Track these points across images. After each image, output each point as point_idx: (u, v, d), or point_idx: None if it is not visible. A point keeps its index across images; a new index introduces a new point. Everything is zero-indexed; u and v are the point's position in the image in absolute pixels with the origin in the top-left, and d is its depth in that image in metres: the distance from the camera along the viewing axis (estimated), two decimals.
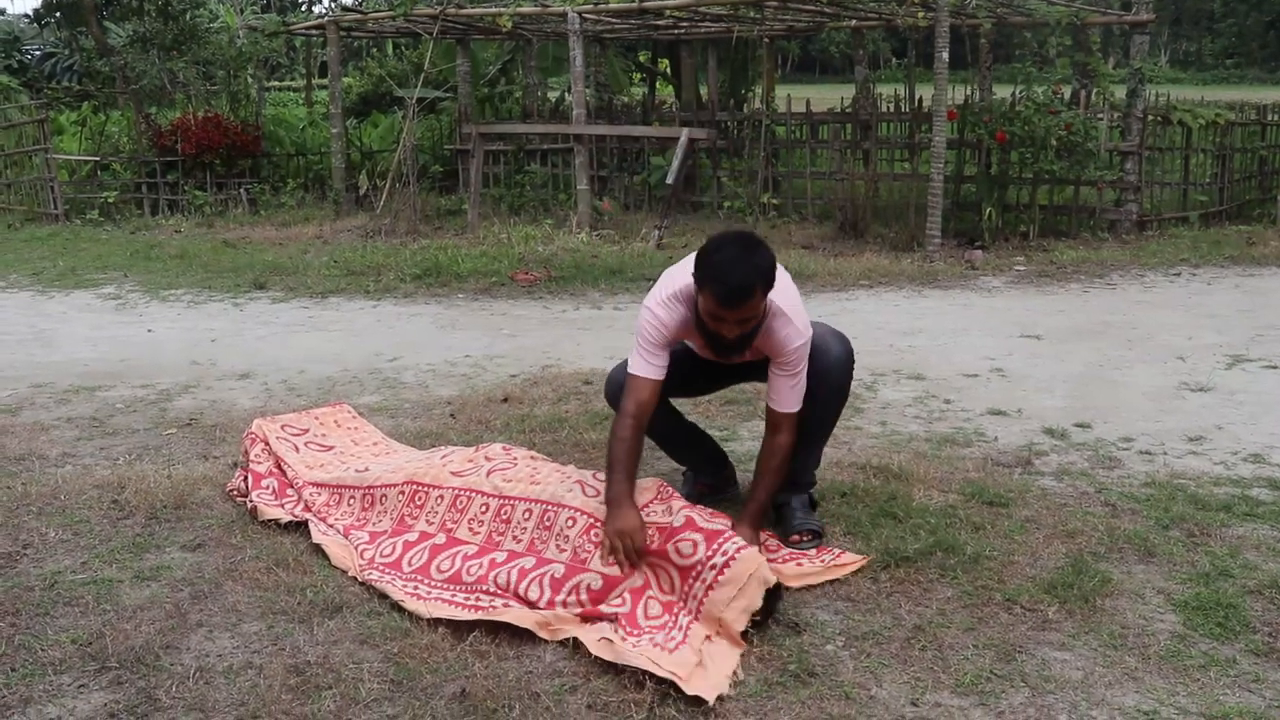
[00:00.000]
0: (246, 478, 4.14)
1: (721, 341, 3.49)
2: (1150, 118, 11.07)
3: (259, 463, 4.19)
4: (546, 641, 3.02)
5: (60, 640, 3.06)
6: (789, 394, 3.63)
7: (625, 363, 3.67)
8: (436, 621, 3.11)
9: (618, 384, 3.73)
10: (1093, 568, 3.44)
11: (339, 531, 3.75)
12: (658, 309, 3.54)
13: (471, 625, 3.07)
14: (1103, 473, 4.42)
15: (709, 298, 3.36)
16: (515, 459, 3.85)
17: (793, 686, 2.81)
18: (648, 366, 3.54)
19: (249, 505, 3.98)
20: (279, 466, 4.18)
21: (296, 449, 4.30)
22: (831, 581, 3.40)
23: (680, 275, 3.56)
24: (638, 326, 3.56)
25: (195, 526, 3.88)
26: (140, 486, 4.19)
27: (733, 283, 3.30)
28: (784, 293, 3.55)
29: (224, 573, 3.49)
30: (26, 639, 3.07)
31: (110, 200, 13.44)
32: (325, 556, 3.58)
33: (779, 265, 3.50)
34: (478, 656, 2.93)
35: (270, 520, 3.86)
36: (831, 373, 3.74)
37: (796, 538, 3.70)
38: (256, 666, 2.92)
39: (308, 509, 3.91)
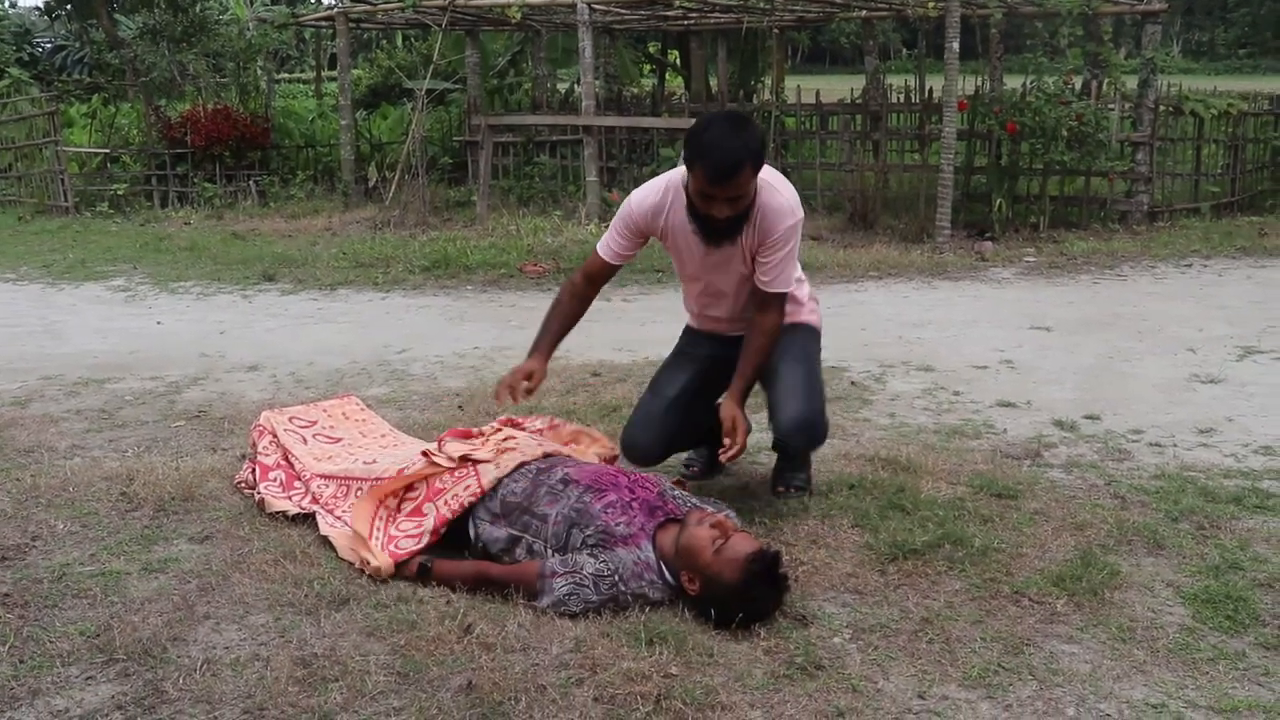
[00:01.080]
0: (254, 470, 4.15)
1: (713, 224, 3.50)
2: (1162, 108, 11.01)
3: (266, 455, 4.19)
4: (553, 635, 3.01)
5: (68, 632, 3.07)
6: (778, 270, 3.64)
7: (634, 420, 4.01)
8: (443, 614, 3.11)
9: (631, 437, 3.98)
10: (1101, 560, 3.43)
11: (346, 523, 3.75)
12: (637, 192, 3.73)
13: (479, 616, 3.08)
14: (1112, 465, 4.40)
15: (699, 176, 3.38)
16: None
17: (799, 679, 2.80)
18: (607, 247, 3.79)
19: (256, 498, 3.99)
20: (286, 459, 4.17)
21: (304, 441, 4.30)
22: (839, 574, 3.39)
23: (674, 171, 3.67)
24: (620, 207, 3.78)
25: (203, 519, 3.89)
26: (149, 479, 4.20)
27: (722, 159, 3.33)
28: (773, 173, 3.63)
29: (231, 565, 3.49)
30: (35, 631, 3.08)
31: (120, 193, 13.47)
32: (333, 549, 3.58)
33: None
34: (484, 649, 2.93)
35: (278, 512, 3.87)
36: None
37: (781, 490, 3.95)
38: (263, 659, 2.92)
39: (315, 501, 3.91)
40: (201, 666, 2.89)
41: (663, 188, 3.71)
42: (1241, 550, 3.52)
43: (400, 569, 3.40)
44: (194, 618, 3.16)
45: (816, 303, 4.08)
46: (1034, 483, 4.14)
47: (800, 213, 3.64)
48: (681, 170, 3.57)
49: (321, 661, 2.89)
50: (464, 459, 3.65)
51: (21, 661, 2.92)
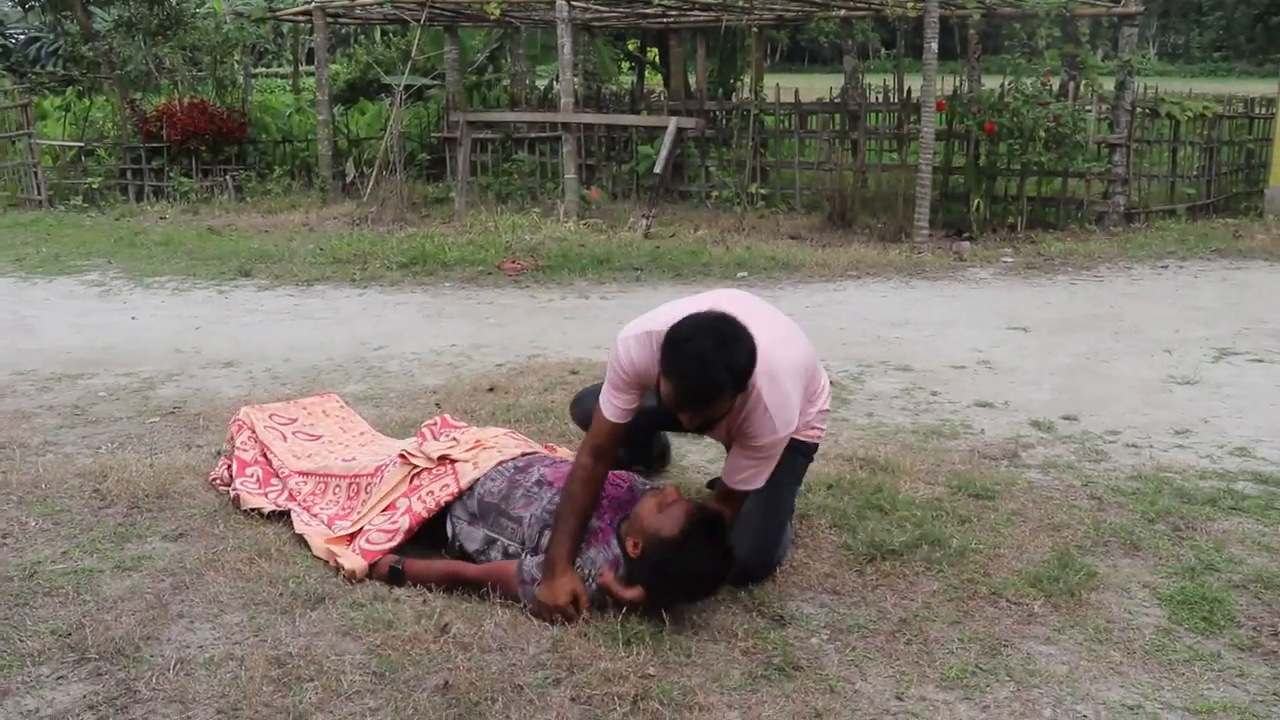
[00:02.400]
0: (230, 465, 4.11)
1: (681, 425, 3.21)
2: (1138, 110, 11.07)
3: (244, 450, 4.16)
4: (530, 634, 3.00)
5: (39, 631, 3.03)
6: (746, 472, 3.23)
7: (595, 386, 3.50)
8: (419, 614, 3.09)
9: (585, 408, 3.58)
10: (1078, 561, 3.44)
11: (323, 521, 3.72)
12: (629, 344, 3.18)
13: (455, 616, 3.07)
14: (1089, 466, 4.42)
15: (669, 388, 2.99)
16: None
17: (777, 680, 2.80)
18: (610, 406, 3.23)
19: (231, 494, 3.96)
20: (264, 455, 4.14)
21: (284, 438, 4.27)
22: (817, 574, 3.39)
23: (666, 314, 3.17)
24: (610, 358, 3.26)
25: (177, 516, 3.85)
26: (122, 475, 4.16)
27: (698, 383, 2.94)
28: (774, 380, 3.13)
29: (206, 563, 3.46)
30: (5, 630, 3.04)
31: (94, 186, 13.34)
32: (308, 547, 3.55)
33: (790, 343, 3.28)
34: (461, 649, 2.91)
35: (253, 510, 3.84)
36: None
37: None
38: (238, 658, 2.89)
39: (292, 498, 3.88)
40: (175, 666, 2.86)
41: (647, 342, 3.13)
42: (1217, 552, 3.54)
43: (371, 570, 3.38)
44: (167, 616, 3.13)
45: (822, 423, 3.63)
46: (1011, 483, 4.16)
47: (787, 430, 3.16)
48: (663, 321, 3.10)
49: (296, 661, 2.87)
50: (443, 458, 3.63)
51: None
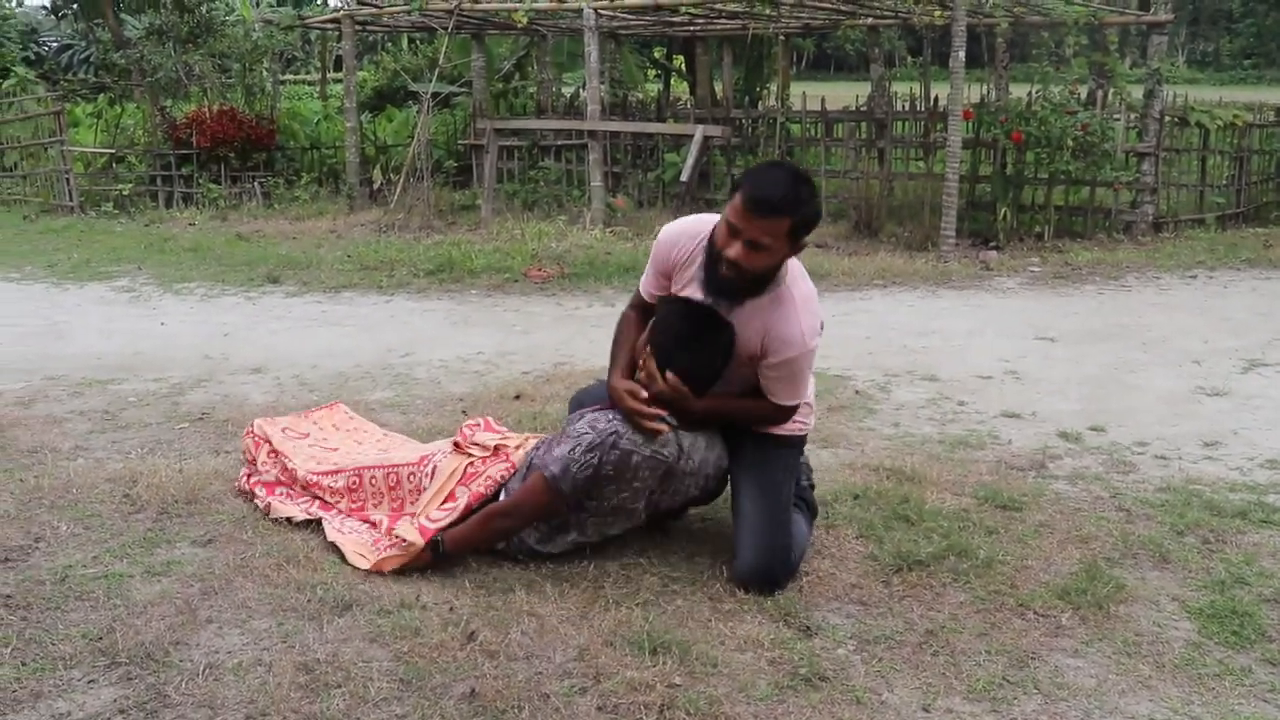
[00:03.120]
0: (255, 489, 4.09)
1: (720, 272, 3.24)
2: (1168, 119, 11.00)
3: (267, 472, 4.14)
4: (556, 643, 3.01)
5: (71, 635, 3.06)
6: (781, 388, 3.41)
7: (593, 386, 3.87)
8: (446, 621, 3.10)
9: (579, 404, 3.82)
10: (1107, 574, 3.42)
11: (377, 526, 3.73)
12: (668, 226, 3.58)
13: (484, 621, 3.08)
14: (1117, 477, 4.40)
15: (738, 200, 3.17)
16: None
17: (804, 690, 2.80)
18: (648, 283, 3.64)
19: (261, 504, 3.97)
20: (285, 470, 4.12)
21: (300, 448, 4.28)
22: (843, 584, 3.38)
23: (713, 218, 3.41)
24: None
25: (206, 522, 3.88)
26: (152, 481, 4.19)
27: (770, 191, 3.15)
28: (806, 293, 3.38)
29: (234, 569, 3.49)
30: (37, 633, 3.08)
31: (125, 193, 13.47)
32: (340, 554, 3.58)
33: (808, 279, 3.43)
34: (487, 656, 2.92)
35: (283, 518, 3.86)
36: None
37: None
38: (266, 664, 2.91)
39: (325, 506, 3.89)
40: (204, 671, 2.88)
41: (697, 231, 3.45)
42: (1247, 565, 3.52)
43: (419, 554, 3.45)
44: (196, 622, 3.16)
45: (811, 406, 3.71)
46: (1039, 494, 4.14)
47: (812, 343, 3.35)
48: (708, 217, 3.43)
49: (324, 667, 2.89)
50: (498, 448, 3.71)
51: (24, 664, 2.92)
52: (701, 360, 3.34)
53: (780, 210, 3.15)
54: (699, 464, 3.48)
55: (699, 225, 3.46)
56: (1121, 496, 4.15)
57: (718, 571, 3.45)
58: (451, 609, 3.19)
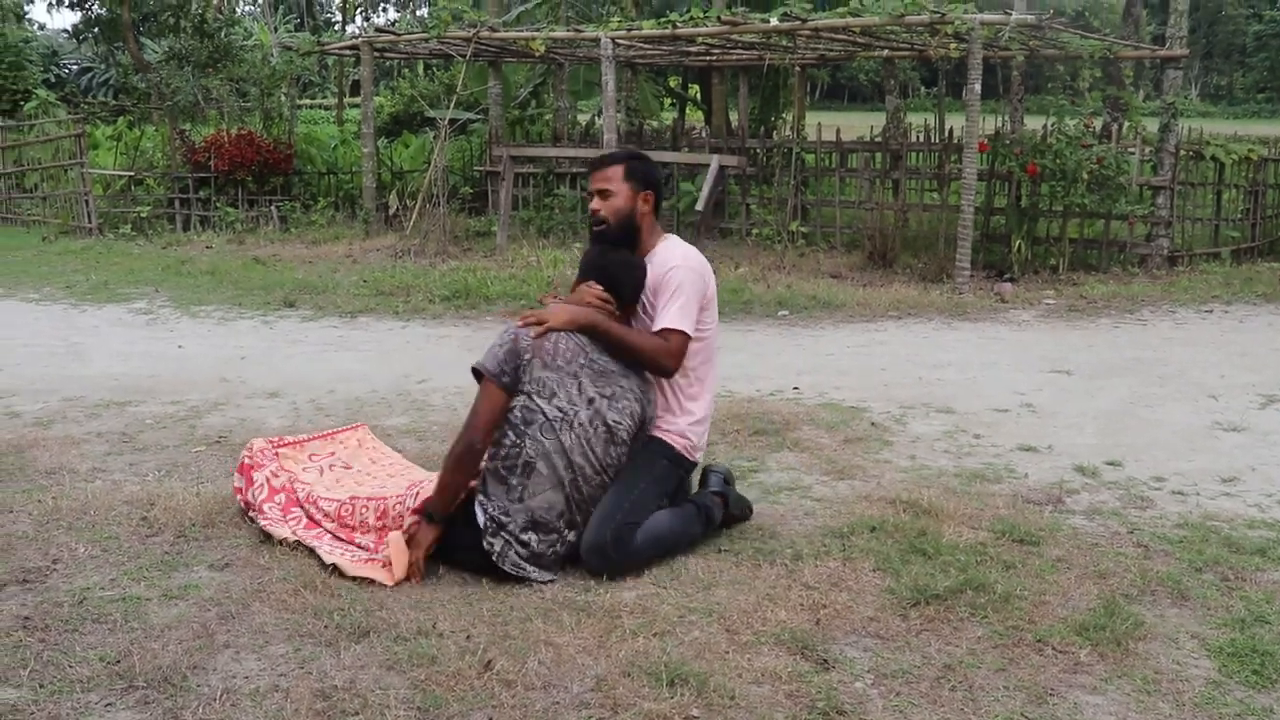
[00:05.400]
0: (257, 487, 4.11)
1: (593, 234, 4.06)
2: (1182, 152, 11.02)
3: (275, 476, 4.13)
4: (574, 673, 3.00)
5: (89, 658, 3.07)
6: (665, 309, 3.87)
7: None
8: (463, 649, 3.10)
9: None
10: (1125, 610, 3.40)
11: (363, 548, 3.76)
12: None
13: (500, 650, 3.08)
14: (1135, 512, 4.38)
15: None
16: None
17: None
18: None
19: (262, 523, 3.98)
20: (292, 484, 4.12)
21: (321, 472, 4.29)
22: (861, 618, 3.37)
23: None
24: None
25: (223, 546, 3.89)
26: (169, 504, 4.21)
27: (601, 157, 4.12)
28: (688, 252, 4.06)
29: (251, 593, 3.49)
30: (55, 655, 3.08)
31: (143, 215, 13.57)
32: (341, 574, 3.60)
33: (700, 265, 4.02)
34: (505, 686, 2.92)
35: (280, 540, 3.87)
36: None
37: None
38: (283, 690, 2.91)
39: (312, 524, 3.91)
40: (221, 696, 2.88)
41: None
42: (1267, 603, 3.49)
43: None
44: (214, 646, 3.16)
45: (697, 438, 4.05)
46: (1056, 529, 4.12)
47: (693, 263, 3.99)
48: None
49: (341, 694, 2.88)
50: None
51: (41, 686, 2.92)
52: (617, 266, 3.95)
53: (611, 160, 4.06)
54: (616, 366, 3.81)
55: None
56: (1139, 532, 4.13)
57: (734, 602, 3.45)
58: (469, 637, 3.19)
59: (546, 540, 3.64)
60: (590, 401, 3.71)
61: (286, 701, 2.85)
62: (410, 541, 3.64)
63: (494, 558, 3.58)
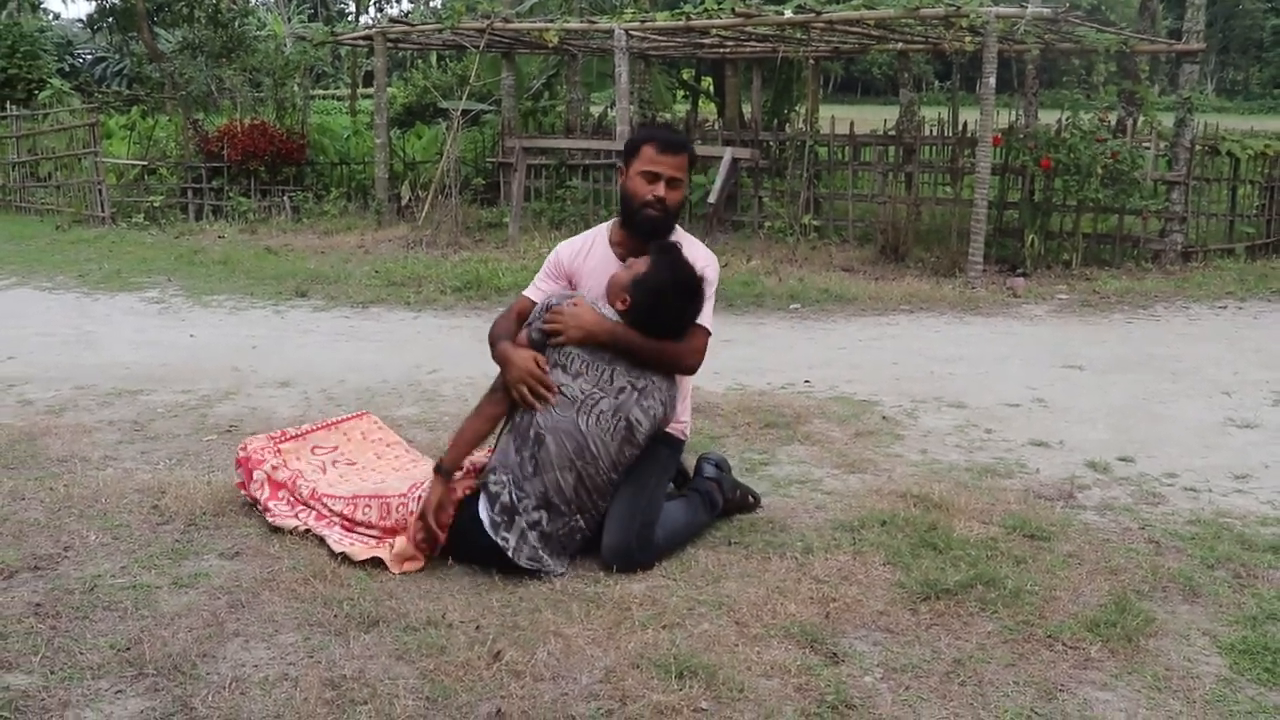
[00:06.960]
0: (265, 483, 4.09)
1: (643, 218, 3.77)
2: (1198, 147, 10.96)
3: (279, 471, 4.13)
4: (583, 664, 3.00)
5: (99, 645, 3.08)
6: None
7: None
8: (472, 640, 3.10)
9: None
10: (1136, 606, 3.39)
11: (370, 538, 3.76)
12: (561, 245, 4.10)
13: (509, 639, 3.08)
14: (1146, 508, 4.36)
15: (648, 150, 3.77)
16: None
17: (830, 718, 2.78)
18: (534, 290, 4.03)
19: (261, 506, 3.98)
20: (295, 483, 4.11)
21: (324, 469, 4.25)
22: (870, 612, 3.37)
23: (601, 225, 4.11)
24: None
25: (234, 534, 3.90)
26: (180, 492, 4.22)
27: (672, 136, 3.86)
28: (694, 240, 4.02)
29: (261, 582, 3.50)
30: (66, 642, 3.09)
31: (156, 204, 13.61)
32: (351, 562, 3.60)
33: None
34: (514, 676, 2.92)
35: (290, 529, 3.87)
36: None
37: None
38: (292, 679, 2.92)
39: (320, 518, 3.89)
40: (230, 684, 2.89)
41: (587, 234, 4.11)
42: (1279, 601, 3.48)
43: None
44: (224, 634, 3.17)
45: (687, 415, 4.12)
46: (1067, 524, 4.11)
47: (710, 272, 3.89)
48: (608, 223, 4.04)
49: (350, 683, 2.89)
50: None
51: (52, 672, 2.93)
52: (677, 312, 3.77)
53: (685, 146, 3.85)
54: (648, 379, 3.74)
55: (582, 235, 4.12)
56: (1151, 528, 4.11)
57: (744, 595, 3.44)
58: (478, 627, 3.19)
59: (556, 522, 3.62)
60: (620, 391, 3.67)
61: (296, 690, 2.86)
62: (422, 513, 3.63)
63: (509, 553, 3.55)
